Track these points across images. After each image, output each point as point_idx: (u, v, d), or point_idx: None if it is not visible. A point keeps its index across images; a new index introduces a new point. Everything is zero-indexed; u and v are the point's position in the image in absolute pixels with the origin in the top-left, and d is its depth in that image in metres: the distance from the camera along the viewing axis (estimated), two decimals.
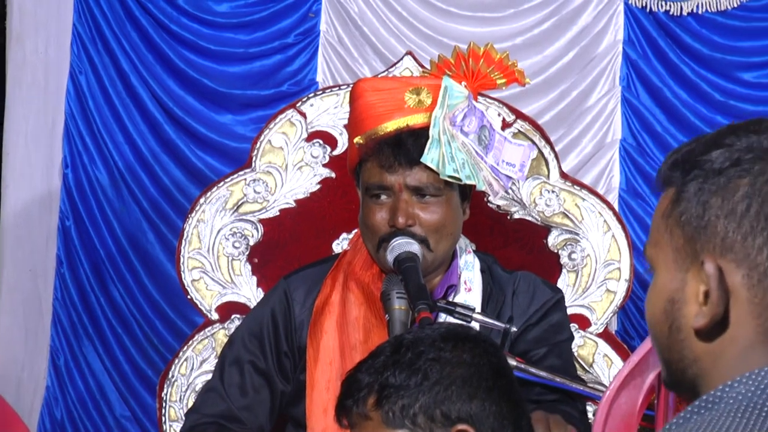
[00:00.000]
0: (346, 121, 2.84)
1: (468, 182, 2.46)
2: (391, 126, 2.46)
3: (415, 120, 2.46)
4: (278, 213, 2.98)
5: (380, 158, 2.46)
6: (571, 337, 2.69)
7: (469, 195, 2.56)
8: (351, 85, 2.78)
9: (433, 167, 2.42)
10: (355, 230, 2.62)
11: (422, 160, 2.42)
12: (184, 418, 2.72)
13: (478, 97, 2.94)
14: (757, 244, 1.18)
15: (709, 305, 1.20)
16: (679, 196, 1.23)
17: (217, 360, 2.68)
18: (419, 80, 2.61)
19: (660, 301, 1.25)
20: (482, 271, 2.59)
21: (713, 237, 1.20)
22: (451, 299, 2.48)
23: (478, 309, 2.48)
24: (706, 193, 1.21)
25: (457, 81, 2.51)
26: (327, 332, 2.51)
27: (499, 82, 2.59)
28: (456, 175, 2.43)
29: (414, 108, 2.47)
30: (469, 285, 2.55)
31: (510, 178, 2.56)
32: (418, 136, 2.44)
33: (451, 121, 2.45)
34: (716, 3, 4.00)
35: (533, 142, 2.96)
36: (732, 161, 1.20)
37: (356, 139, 2.49)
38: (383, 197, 2.47)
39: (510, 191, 2.92)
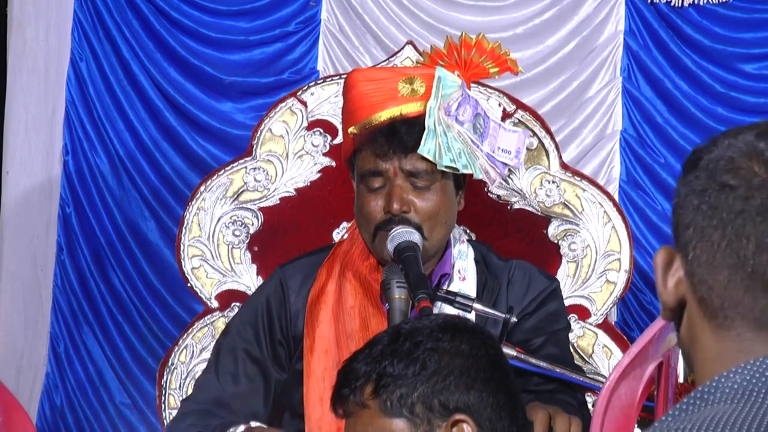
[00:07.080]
0: None
1: (465, 171, 2.46)
2: (384, 115, 2.46)
3: (409, 109, 2.46)
4: (278, 201, 2.98)
5: (374, 147, 2.45)
6: (568, 326, 2.69)
7: (464, 184, 2.56)
8: None
9: (430, 158, 2.42)
10: (354, 220, 2.62)
11: (419, 151, 2.42)
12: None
13: (480, 87, 2.94)
14: (716, 263, 1.18)
15: (666, 303, 1.21)
16: (677, 189, 1.24)
17: (213, 348, 2.69)
18: (412, 70, 2.60)
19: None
20: (476, 260, 2.58)
21: (684, 241, 1.21)
22: (444, 288, 2.48)
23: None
24: (689, 196, 1.21)
25: (449, 71, 2.51)
26: (323, 322, 2.50)
27: (491, 71, 2.58)
28: (453, 165, 2.43)
29: (407, 97, 2.47)
30: (464, 274, 2.54)
31: (506, 165, 2.56)
32: (412, 125, 2.44)
33: (446, 111, 2.45)
34: None
35: (534, 133, 2.96)
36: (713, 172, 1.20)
37: (350, 129, 2.49)
38: (378, 185, 2.47)
39: (510, 181, 2.92)
